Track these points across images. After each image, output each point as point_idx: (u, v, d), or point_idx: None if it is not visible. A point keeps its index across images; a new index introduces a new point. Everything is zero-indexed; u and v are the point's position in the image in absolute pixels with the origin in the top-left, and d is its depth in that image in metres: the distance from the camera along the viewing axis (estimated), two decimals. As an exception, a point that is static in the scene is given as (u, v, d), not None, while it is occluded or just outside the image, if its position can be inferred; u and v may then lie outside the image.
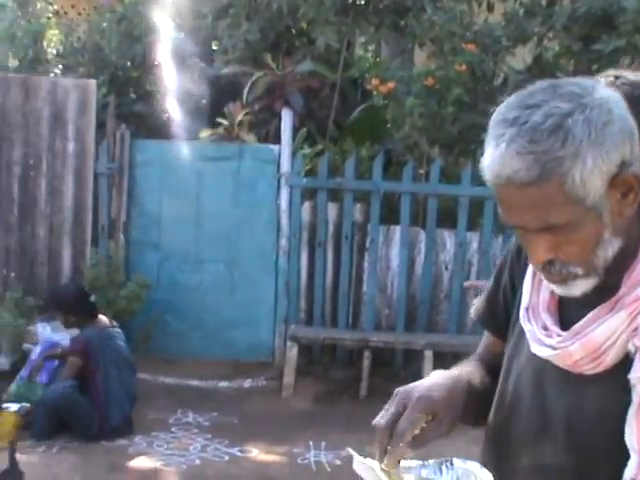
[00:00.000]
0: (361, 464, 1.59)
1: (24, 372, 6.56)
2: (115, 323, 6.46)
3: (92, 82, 7.69)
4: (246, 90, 8.43)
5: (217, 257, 7.68)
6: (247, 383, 7.32)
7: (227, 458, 5.83)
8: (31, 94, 7.43)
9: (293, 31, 9.20)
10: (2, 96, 7.37)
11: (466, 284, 7.24)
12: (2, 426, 5.95)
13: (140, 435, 6.13)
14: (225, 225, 7.67)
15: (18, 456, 5.69)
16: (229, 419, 6.56)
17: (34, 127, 7.45)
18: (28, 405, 6.19)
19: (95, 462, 5.65)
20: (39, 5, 9.51)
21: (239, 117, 8.17)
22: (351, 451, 1.64)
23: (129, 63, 9.38)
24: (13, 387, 6.49)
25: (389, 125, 7.92)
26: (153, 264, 7.67)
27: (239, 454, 5.91)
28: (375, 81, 7.53)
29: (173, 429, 6.34)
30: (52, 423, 6.04)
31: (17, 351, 6.88)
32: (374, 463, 1.57)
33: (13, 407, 6.22)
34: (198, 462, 5.76)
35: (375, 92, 7.59)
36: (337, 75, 8.43)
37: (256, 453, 5.95)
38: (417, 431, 1.53)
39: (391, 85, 7.48)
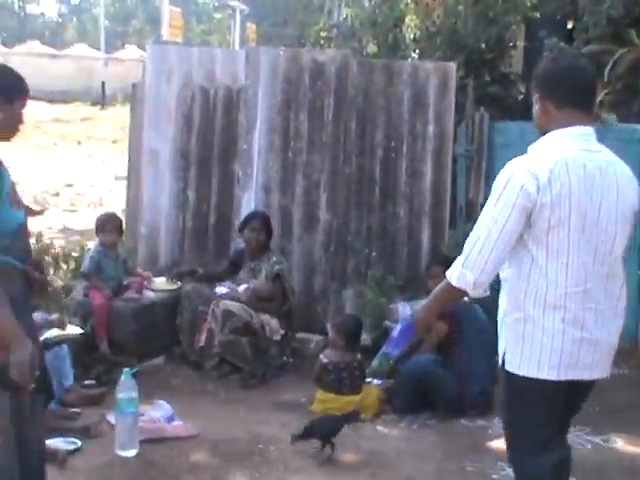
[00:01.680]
0: None
1: (385, 348, 6.73)
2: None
3: (452, 65, 7.74)
4: (607, 68, 8.11)
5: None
6: (608, 371, 7.04)
7: (590, 447, 5.63)
8: (393, 78, 7.62)
9: (658, 4, 8.71)
10: (366, 81, 7.62)
11: None
12: (367, 398, 6.19)
13: (499, 417, 6.09)
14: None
15: (380, 429, 5.93)
16: (590, 407, 6.30)
17: (396, 110, 7.64)
18: (391, 380, 6.40)
19: (455, 441, 5.68)
20: (399, -8, 9.76)
21: (599, 96, 7.87)
22: None
23: (484, 45, 9.35)
24: (375, 362, 6.69)
25: None
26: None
27: (603, 444, 5.68)
28: None
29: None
30: (413, 396, 6.15)
31: (378, 328, 7.10)
32: None
33: (376, 381, 6.45)
34: (560, 449, 5.62)
35: None
36: None
37: (621, 444, 5.70)
38: None
39: None
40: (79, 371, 6.41)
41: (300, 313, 7.31)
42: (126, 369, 5.58)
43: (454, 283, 3.38)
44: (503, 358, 3.47)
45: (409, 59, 9.25)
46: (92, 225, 8.95)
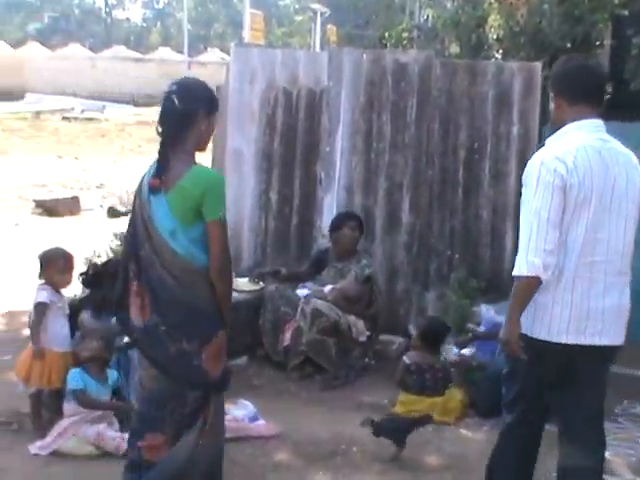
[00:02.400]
0: None
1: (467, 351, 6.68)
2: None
3: (537, 65, 7.64)
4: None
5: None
6: (697, 376, 6.88)
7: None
8: (477, 78, 7.55)
9: None
10: (449, 81, 7.57)
11: None
12: (450, 401, 6.14)
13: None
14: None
15: (464, 432, 5.88)
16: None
17: (479, 111, 7.56)
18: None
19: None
20: (483, -9, 9.67)
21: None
22: None
23: (569, 44, 9.20)
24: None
25: None
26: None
27: None
28: None
29: (620, 420, 6.11)
30: (497, 398, 6.06)
31: (462, 331, 7.03)
32: None
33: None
34: (651, 456, 5.51)
35: None
36: None
37: None
38: None
39: None
40: (164, 370, 6.50)
41: (382, 315, 7.29)
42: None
43: (525, 273, 3.71)
44: None
45: (492, 59, 9.15)
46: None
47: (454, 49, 9.82)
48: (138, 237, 3.94)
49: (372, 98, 7.68)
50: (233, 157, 7.97)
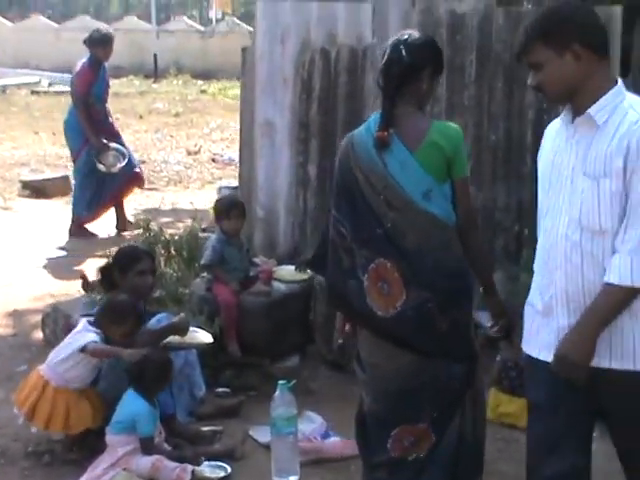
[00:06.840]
0: None
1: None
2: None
3: (616, 10, 6.62)
4: None
5: None
6: None
7: None
8: (546, 29, 6.65)
9: None
10: (513, 33, 6.59)
11: None
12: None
13: None
14: None
15: None
16: None
17: (549, 66, 6.68)
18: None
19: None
20: None
21: None
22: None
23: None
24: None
25: None
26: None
27: None
28: None
29: None
30: None
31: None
32: None
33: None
34: None
35: None
36: None
37: None
38: None
39: None
40: (205, 376, 5.66)
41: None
42: (281, 382, 4.86)
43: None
44: None
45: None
46: (180, 204, 8.23)
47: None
48: (369, 215, 3.71)
49: (423, 55, 6.75)
50: (264, 128, 7.05)
